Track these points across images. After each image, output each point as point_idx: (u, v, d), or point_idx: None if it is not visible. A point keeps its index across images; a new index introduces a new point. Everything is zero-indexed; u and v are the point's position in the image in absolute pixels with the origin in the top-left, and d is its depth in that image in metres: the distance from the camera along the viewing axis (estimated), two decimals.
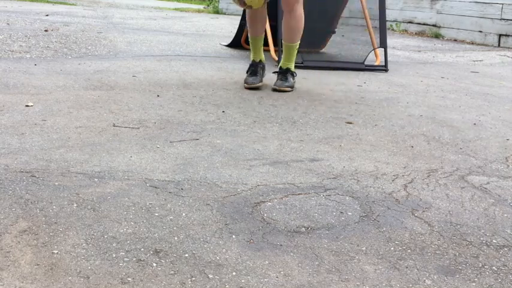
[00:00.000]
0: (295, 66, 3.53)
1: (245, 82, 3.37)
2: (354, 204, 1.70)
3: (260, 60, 3.49)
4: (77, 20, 6.76)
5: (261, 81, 3.41)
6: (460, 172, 2.05)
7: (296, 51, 3.46)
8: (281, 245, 1.42)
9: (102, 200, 1.62)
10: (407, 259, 1.39)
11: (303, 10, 3.36)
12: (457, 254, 1.43)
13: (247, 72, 3.46)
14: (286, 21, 3.36)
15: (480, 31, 6.97)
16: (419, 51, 5.99)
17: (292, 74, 3.43)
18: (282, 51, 3.50)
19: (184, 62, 4.22)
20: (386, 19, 4.81)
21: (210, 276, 1.25)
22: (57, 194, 1.64)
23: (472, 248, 1.47)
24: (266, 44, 4.54)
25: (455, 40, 7.28)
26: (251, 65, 3.47)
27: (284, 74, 3.40)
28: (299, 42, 3.43)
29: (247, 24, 3.51)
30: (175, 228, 1.47)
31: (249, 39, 3.53)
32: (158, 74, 3.64)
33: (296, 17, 3.31)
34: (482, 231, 1.57)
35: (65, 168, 1.84)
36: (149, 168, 1.90)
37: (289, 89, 3.33)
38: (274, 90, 3.33)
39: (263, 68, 3.50)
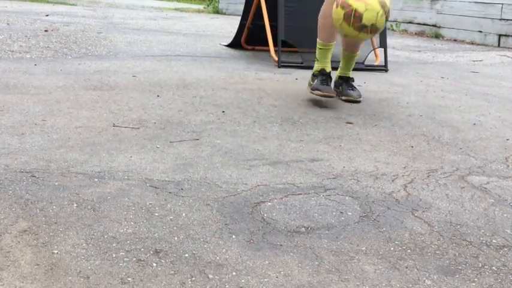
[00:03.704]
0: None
1: (315, 89, 3.03)
2: (354, 204, 1.70)
3: (330, 72, 3.17)
4: (77, 20, 6.76)
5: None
6: (460, 172, 2.05)
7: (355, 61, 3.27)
8: (281, 245, 1.42)
9: (102, 200, 1.62)
10: (407, 259, 1.39)
11: None
12: (457, 254, 1.43)
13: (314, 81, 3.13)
14: None
15: (480, 31, 6.97)
16: (419, 51, 5.99)
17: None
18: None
19: (184, 62, 4.22)
20: None
21: (210, 276, 1.25)
22: (57, 194, 1.64)
23: (472, 248, 1.47)
24: (266, 43, 4.55)
25: (455, 40, 7.28)
26: (323, 75, 3.09)
27: (350, 83, 3.24)
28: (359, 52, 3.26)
29: (322, 31, 3.11)
30: (175, 228, 1.47)
31: (321, 46, 3.11)
32: (158, 74, 3.64)
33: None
34: (482, 231, 1.57)
35: (65, 168, 1.84)
36: (149, 168, 1.90)
37: (361, 99, 3.15)
38: (348, 101, 3.13)
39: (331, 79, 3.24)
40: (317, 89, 3.01)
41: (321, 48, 3.10)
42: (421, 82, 3.97)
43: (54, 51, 4.32)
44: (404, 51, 5.85)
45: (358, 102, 3.14)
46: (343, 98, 3.18)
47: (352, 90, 3.20)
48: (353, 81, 3.27)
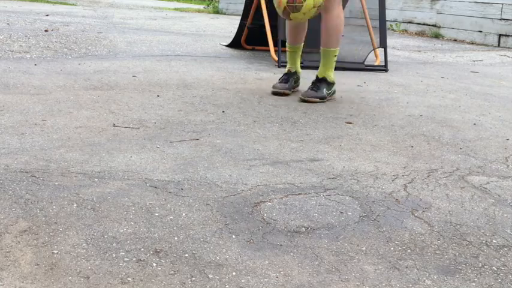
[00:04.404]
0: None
1: (273, 87, 3.21)
2: (354, 204, 1.70)
3: (295, 72, 3.29)
4: (77, 20, 6.76)
5: (291, 89, 3.21)
6: (460, 172, 2.05)
7: (334, 59, 3.15)
8: (281, 245, 1.42)
9: (102, 200, 1.62)
10: (407, 259, 1.39)
11: (342, 11, 3.08)
12: (457, 254, 1.43)
13: (278, 80, 3.28)
14: (322, 23, 3.09)
15: (480, 31, 6.97)
16: (419, 51, 5.99)
17: (328, 84, 3.12)
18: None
19: (184, 62, 4.22)
20: (386, 19, 4.81)
21: (210, 276, 1.25)
22: (57, 194, 1.64)
23: (472, 248, 1.47)
24: (265, 43, 4.55)
25: (455, 40, 7.28)
26: (285, 74, 3.28)
27: (316, 83, 3.12)
28: (338, 48, 3.14)
29: (287, 33, 3.23)
30: (175, 228, 1.47)
31: (288, 48, 3.28)
32: (158, 74, 3.64)
33: (332, 17, 3.04)
34: (482, 231, 1.57)
35: (65, 168, 1.84)
36: (149, 168, 1.90)
37: (317, 99, 3.04)
38: (301, 100, 3.05)
39: (296, 80, 3.29)
40: (273, 86, 3.25)
41: (288, 51, 3.33)
42: (421, 82, 3.97)
43: (54, 51, 4.32)
44: (404, 51, 5.85)
45: (312, 102, 3.04)
46: (300, 97, 3.11)
47: (312, 90, 3.09)
48: (328, 84, 3.11)
